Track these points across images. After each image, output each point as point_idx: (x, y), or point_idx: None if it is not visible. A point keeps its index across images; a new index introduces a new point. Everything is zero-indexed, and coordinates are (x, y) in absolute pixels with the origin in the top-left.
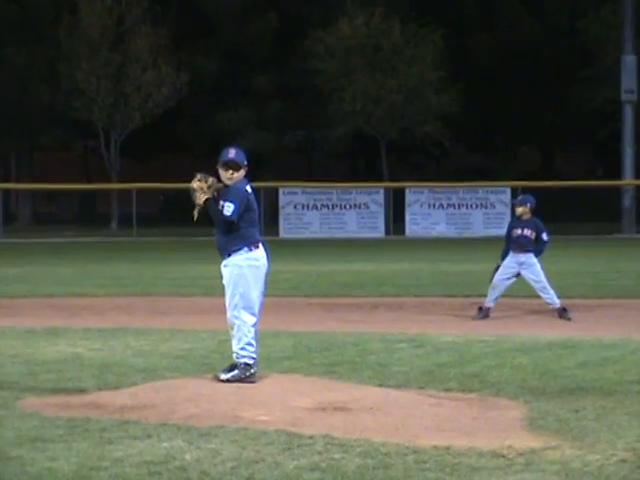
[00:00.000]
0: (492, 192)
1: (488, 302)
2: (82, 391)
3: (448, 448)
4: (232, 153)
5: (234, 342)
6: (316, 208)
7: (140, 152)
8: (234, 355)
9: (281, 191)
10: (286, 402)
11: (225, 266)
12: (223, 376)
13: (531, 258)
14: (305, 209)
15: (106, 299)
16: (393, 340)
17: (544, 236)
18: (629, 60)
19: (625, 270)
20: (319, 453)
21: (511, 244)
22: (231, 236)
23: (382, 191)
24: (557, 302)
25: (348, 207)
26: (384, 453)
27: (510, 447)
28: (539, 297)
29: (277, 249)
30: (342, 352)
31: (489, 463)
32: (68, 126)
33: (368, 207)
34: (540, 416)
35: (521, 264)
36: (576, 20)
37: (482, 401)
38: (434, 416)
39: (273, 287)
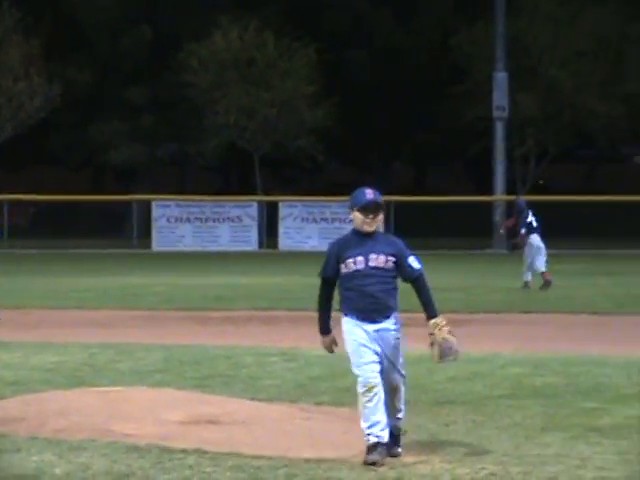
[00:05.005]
0: None
1: None
2: None
3: (320, 462)
4: (371, 193)
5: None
6: (189, 221)
7: (11, 163)
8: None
9: (154, 204)
10: (157, 415)
11: (388, 330)
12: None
13: None
14: (178, 222)
15: None
16: (265, 354)
17: None
18: (500, 77)
19: (495, 285)
20: (190, 467)
21: None
22: (393, 294)
23: (255, 204)
24: None
25: (221, 220)
26: (256, 467)
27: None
28: (408, 311)
29: (150, 262)
30: (214, 365)
31: (360, 477)
32: None
33: (241, 220)
34: (411, 430)
35: None
36: (449, 37)
37: (353, 415)
38: (306, 430)
39: (145, 300)
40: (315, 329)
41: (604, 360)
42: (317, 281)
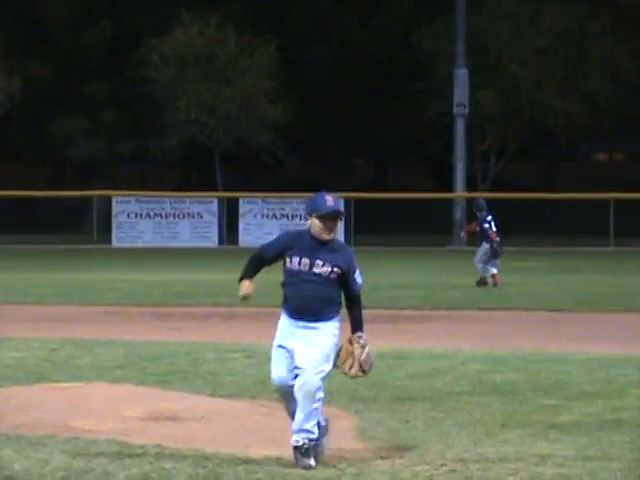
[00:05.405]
0: None
1: None
2: None
3: (279, 458)
4: (332, 200)
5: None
6: (149, 217)
7: None
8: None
9: (114, 200)
10: (117, 411)
11: (313, 328)
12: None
13: None
14: (138, 218)
15: None
16: (225, 350)
17: None
18: (461, 74)
19: (455, 282)
20: (150, 463)
21: None
22: (329, 303)
23: (216, 201)
24: None
25: (182, 216)
26: (215, 463)
27: (341, 457)
28: (371, 307)
29: (110, 258)
30: (174, 362)
31: (320, 474)
32: None
33: (202, 216)
34: (371, 426)
35: None
36: (409, 34)
37: None
38: (266, 426)
39: (105, 296)
40: (273, 324)
41: (564, 357)
42: (276, 278)
